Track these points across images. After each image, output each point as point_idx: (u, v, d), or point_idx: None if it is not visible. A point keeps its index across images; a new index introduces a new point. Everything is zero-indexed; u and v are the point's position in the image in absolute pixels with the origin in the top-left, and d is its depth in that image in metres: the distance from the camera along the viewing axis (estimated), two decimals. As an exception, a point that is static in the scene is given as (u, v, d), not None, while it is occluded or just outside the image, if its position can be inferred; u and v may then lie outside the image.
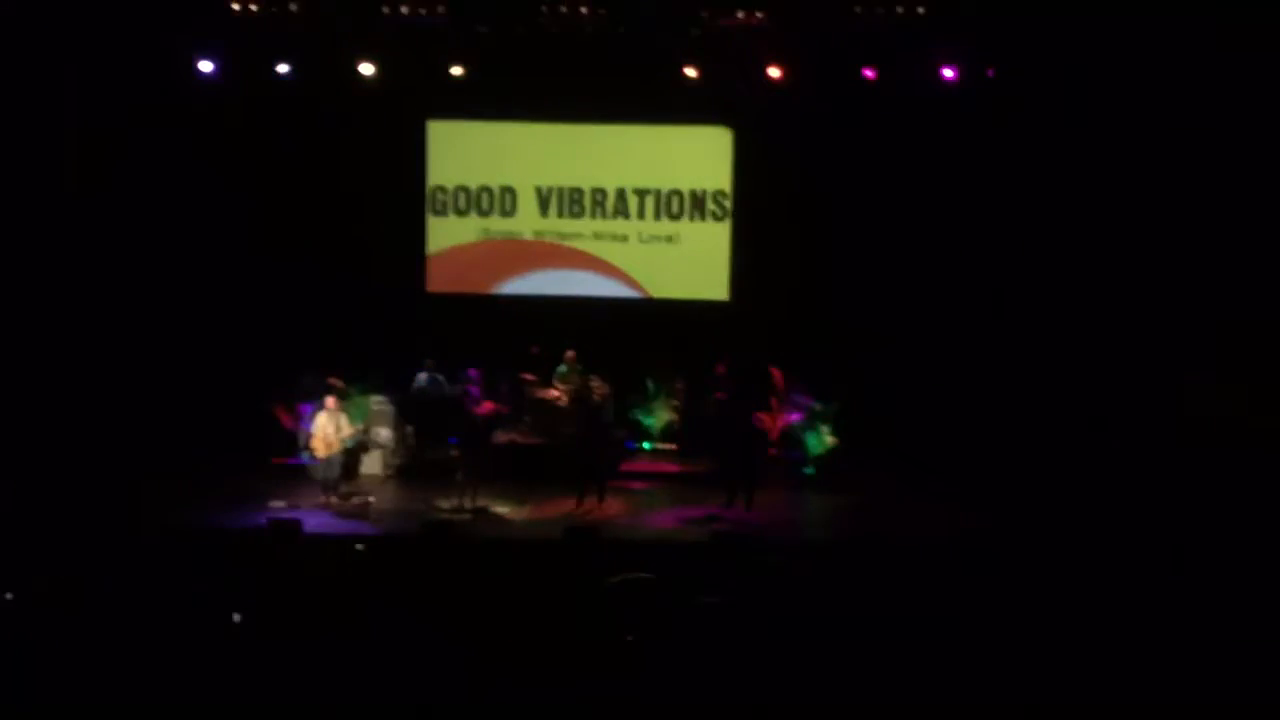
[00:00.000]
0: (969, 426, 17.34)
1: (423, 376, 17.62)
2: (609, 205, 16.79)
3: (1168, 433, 15.93)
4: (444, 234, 17.02)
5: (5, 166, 16.58)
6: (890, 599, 10.67)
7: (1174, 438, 15.77)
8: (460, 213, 16.79)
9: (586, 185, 17.02)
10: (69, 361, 16.89)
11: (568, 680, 8.99)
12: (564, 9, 16.65)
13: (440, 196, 16.83)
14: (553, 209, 16.73)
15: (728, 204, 16.91)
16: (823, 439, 17.43)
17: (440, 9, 16.81)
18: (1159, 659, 9.52)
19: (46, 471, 15.34)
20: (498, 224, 16.79)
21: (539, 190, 16.91)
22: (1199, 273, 16.28)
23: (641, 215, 16.76)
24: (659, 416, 18.11)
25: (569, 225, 16.75)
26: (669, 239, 16.83)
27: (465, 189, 16.83)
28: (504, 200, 16.78)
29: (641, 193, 16.91)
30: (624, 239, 16.88)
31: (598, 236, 16.90)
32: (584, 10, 16.61)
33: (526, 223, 16.77)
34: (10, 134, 16.50)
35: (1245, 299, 15.84)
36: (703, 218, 16.70)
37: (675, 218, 16.77)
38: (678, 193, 16.89)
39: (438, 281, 18.97)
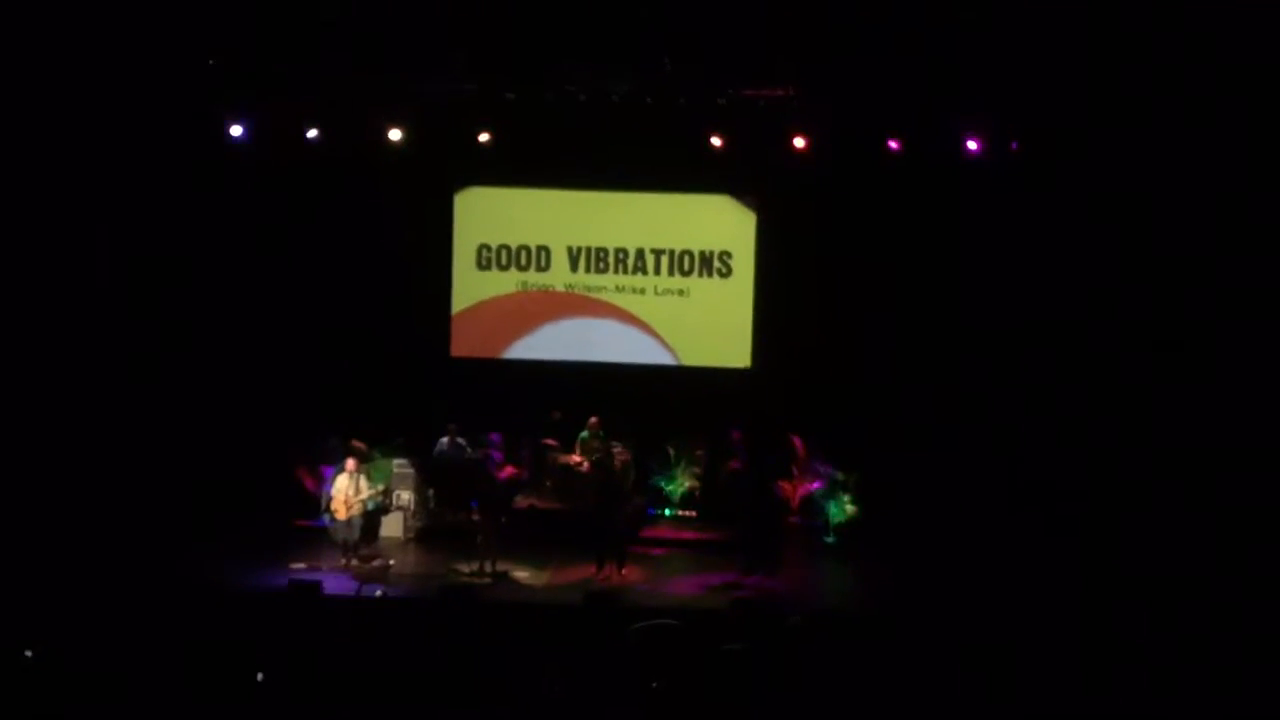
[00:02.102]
0: (991, 498, 17.30)
1: (444, 440, 17.65)
2: (630, 262, 18.67)
3: (1195, 506, 15.83)
4: (488, 286, 18.84)
5: (39, 229, 16.70)
6: (907, 671, 10.64)
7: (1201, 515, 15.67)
8: (502, 268, 18.70)
9: (611, 245, 18.81)
10: (93, 421, 16.94)
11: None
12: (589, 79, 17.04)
13: (485, 253, 18.68)
14: (581, 265, 18.69)
15: (731, 263, 18.61)
16: (844, 507, 17.45)
17: (468, 77, 17.10)
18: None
19: (69, 531, 15.36)
20: (534, 278, 18.74)
21: (570, 249, 18.76)
22: (1224, 349, 16.20)
23: (658, 271, 18.64)
24: (680, 483, 18.16)
25: (596, 280, 18.67)
26: (681, 293, 18.63)
27: (506, 247, 18.74)
28: (540, 257, 18.72)
29: (658, 252, 18.75)
30: (642, 292, 18.68)
31: (620, 289, 18.67)
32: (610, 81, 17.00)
33: (559, 277, 18.73)
34: (43, 196, 16.64)
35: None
36: (710, 275, 18.59)
37: (686, 274, 18.63)
38: (689, 253, 18.71)
39: (464, 343, 19.56)
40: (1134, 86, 15.96)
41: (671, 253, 18.82)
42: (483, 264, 18.92)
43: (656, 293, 18.74)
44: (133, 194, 17.45)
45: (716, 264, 18.71)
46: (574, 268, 18.87)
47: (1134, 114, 16.23)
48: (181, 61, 16.83)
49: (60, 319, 16.83)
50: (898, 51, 16.20)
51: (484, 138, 17.99)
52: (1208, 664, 11.40)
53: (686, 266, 18.72)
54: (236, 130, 17.63)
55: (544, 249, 18.90)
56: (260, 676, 9.97)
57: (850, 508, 17.47)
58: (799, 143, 17.67)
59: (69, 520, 15.58)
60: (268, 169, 18.22)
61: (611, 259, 18.79)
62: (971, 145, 17.38)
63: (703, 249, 18.76)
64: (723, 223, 18.88)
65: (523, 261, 18.90)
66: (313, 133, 17.86)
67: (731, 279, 18.63)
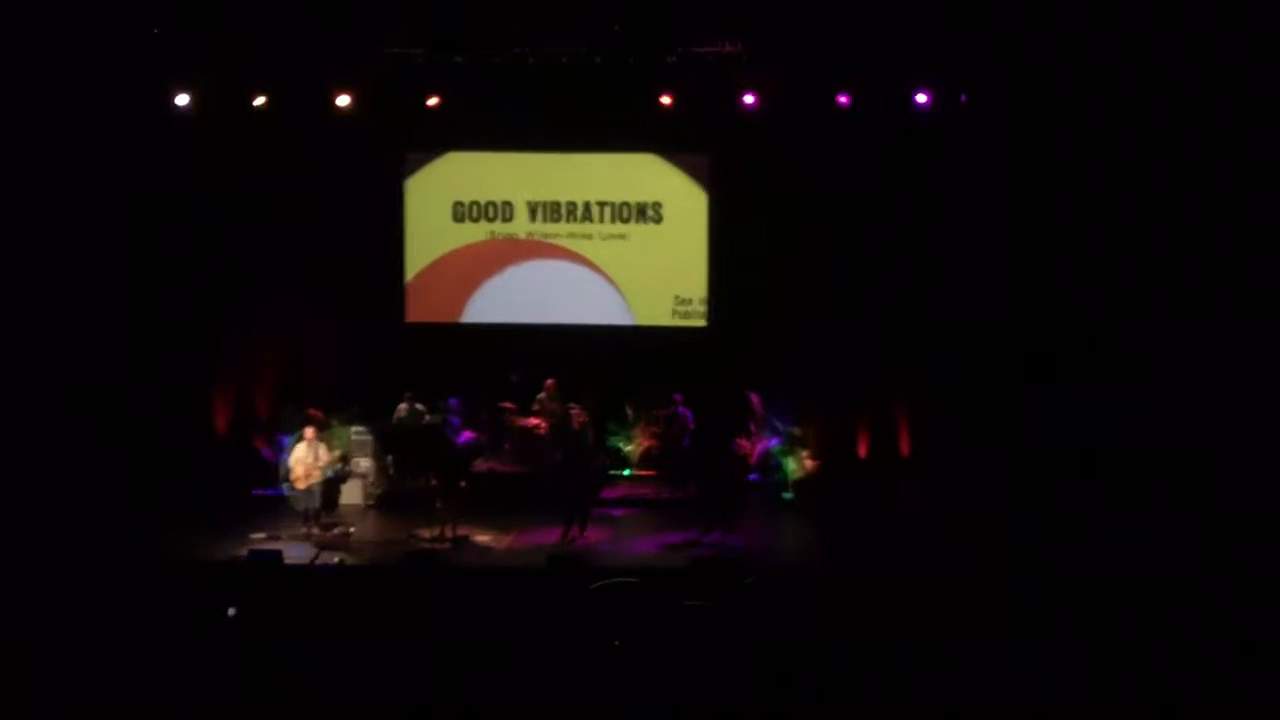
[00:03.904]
0: (949, 453, 17.42)
1: (402, 407, 17.65)
2: (579, 213, 20.61)
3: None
4: (461, 236, 20.68)
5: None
6: (867, 625, 10.71)
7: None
8: (474, 220, 20.64)
9: (563, 199, 20.57)
10: (47, 395, 16.79)
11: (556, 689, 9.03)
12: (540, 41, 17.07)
13: (459, 208, 20.50)
14: (539, 216, 20.62)
15: (662, 211, 20.40)
16: (802, 463, 17.56)
17: (417, 41, 17.04)
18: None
19: (27, 505, 15.25)
20: (500, 228, 20.65)
21: (529, 203, 20.58)
22: (1182, 303, 16.15)
23: (602, 220, 20.57)
24: (637, 443, 18.21)
25: (551, 228, 20.64)
26: (621, 237, 20.56)
27: (477, 202, 20.58)
28: (504, 210, 20.63)
29: (601, 204, 20.56)
30: (589, 237, 20.63)
31: (571, 236, 20.61)
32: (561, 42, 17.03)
33: (521, 226, 20.66)
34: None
35: (1239, 330, 15.72)
36: (645, 222, 20.53)
37: (625, 222, 20.56)
38: (626, 204, 20.52)
39: (421, 306, 20.26)
40: (1079, 36, 15.99)
41: (613, 204, 20.55)
42: (458, 218, 20.62)
43: (601, 237, 20.59)
44: (78, 166, 17.24)
45: (650, 213, 20.53)
46: (533, 218, 20.61)
47: (1083, 63, 16.27)
48: (125, 30, 16.64)
49: (3, 292, 16.61)
50: (845, 5, 16.23)
51: (432, 102, 18.02)
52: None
53: (625, 215, 20.56)
54: (181, 99, 17.48)
55: (508, 203, 20.60)
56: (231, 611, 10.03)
57: (808, 463, 17.57)
58: (748, 99, 17.70)
59: (27, 494, 15.45)
60: (214, 137, 18.04)
61: (563, 210, 20.59)
62: (921, 98, 17.43)
63: (638, 200, 20.55)
64: (655, 177, 20.56)
65: (490, 214, 20.62)
66: (259, 100, 17.74)
67: (663, 224, 20.59)
